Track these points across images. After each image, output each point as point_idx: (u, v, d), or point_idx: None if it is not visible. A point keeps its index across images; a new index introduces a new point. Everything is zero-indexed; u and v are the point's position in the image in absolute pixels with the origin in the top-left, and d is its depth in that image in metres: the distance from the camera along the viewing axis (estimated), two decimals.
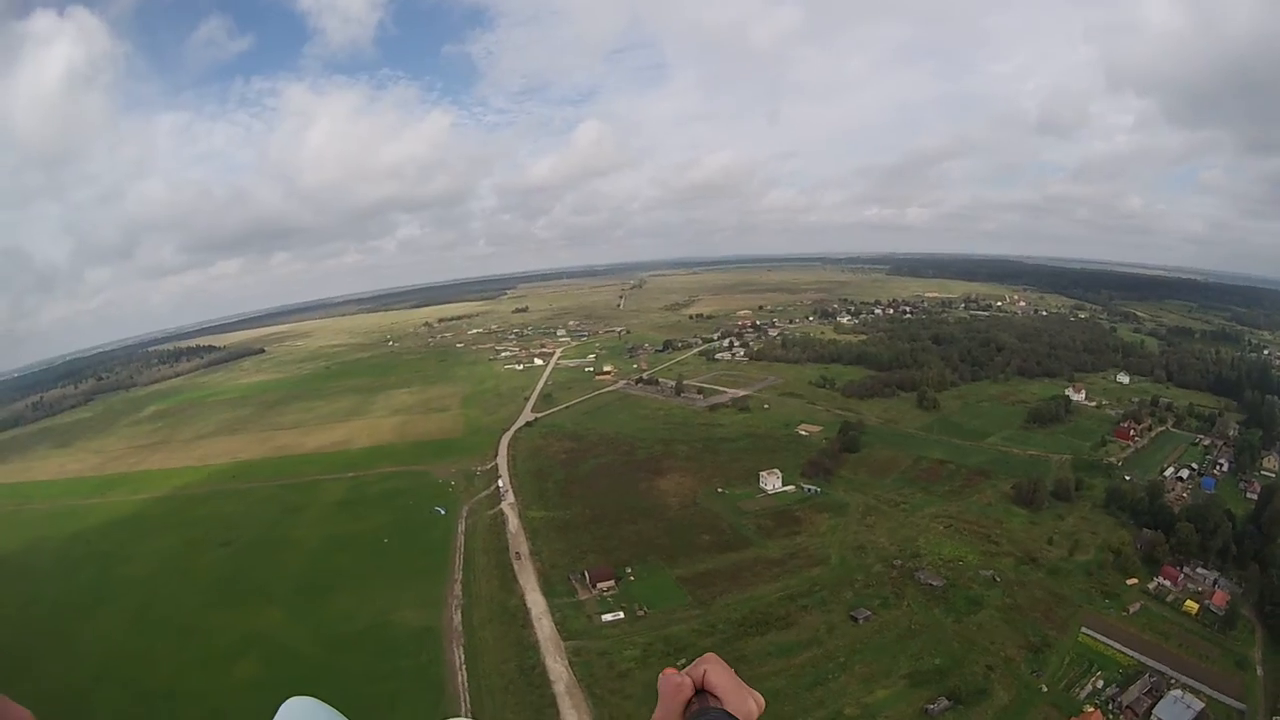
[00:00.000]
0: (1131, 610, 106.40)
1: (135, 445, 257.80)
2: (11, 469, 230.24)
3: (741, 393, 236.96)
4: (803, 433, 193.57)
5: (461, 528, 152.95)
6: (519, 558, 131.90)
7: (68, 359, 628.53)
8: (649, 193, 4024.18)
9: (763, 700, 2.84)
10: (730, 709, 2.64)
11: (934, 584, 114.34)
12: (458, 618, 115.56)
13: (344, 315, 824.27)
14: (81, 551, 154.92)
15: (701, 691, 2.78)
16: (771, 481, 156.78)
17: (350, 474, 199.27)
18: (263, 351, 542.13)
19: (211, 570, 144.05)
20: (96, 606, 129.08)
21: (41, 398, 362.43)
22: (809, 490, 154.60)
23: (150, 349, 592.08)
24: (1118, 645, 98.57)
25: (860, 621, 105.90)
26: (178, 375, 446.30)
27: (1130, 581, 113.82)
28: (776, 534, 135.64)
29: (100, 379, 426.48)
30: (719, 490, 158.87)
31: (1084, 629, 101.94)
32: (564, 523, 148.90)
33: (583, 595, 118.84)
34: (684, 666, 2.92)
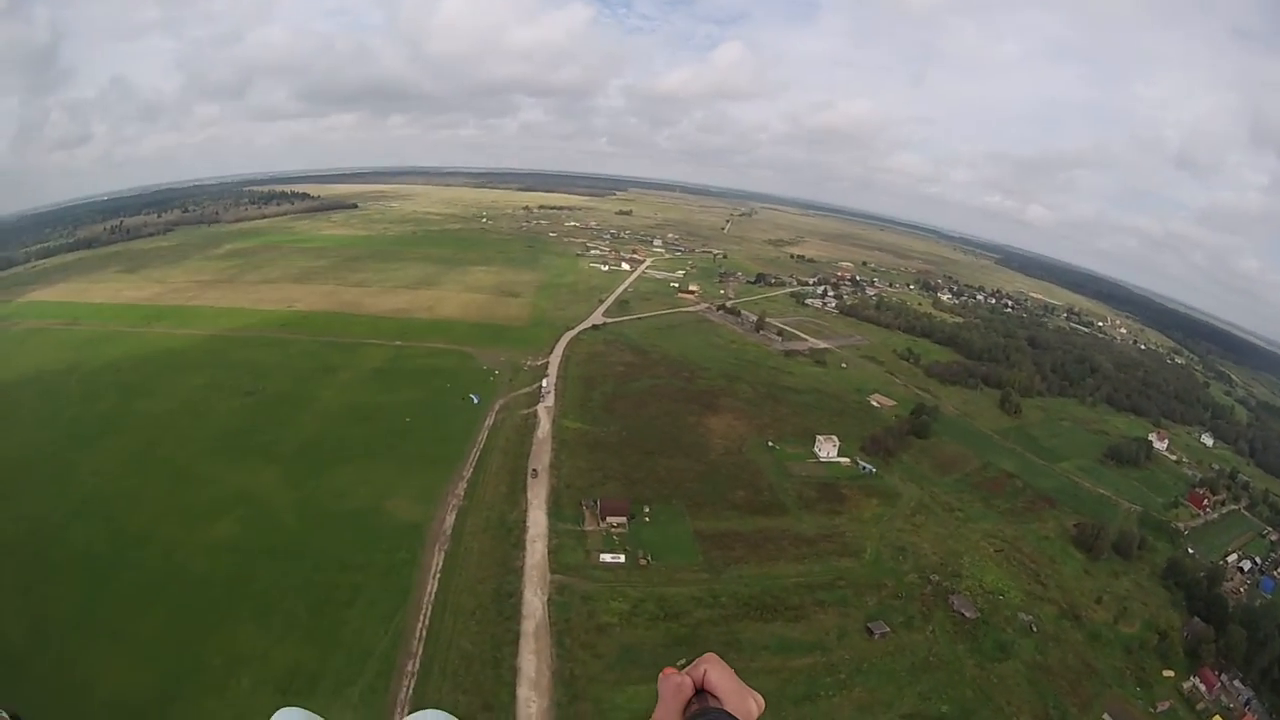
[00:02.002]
0: (1159, 709, 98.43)
1: (198, 280, 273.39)
2: (71, 288, 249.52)
3: (822, 345, 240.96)
4: (874, 404, 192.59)
5: (489, 421, 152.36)
6: (535, 475, 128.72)
7: (161, 188, 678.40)
8: (778, 126, 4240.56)
9: (763, 701, 3.00)
10: (730, 709, 2.79)
11: (966, 614, 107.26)
12: (450, 519, 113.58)
13: (448, 186, 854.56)
14: (107, 380, 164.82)
15: (702, 692, 2.94)
16: (827, 448, 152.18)
17: (397, 342, 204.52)
18: (355, 207, 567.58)
19: (227, 418, 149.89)
20: (102, 438, 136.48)
21: (122, 222, 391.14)
22: (864, 468, 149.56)
23: (245, 189, 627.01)
24: None
25: (876, 637, 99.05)
26: (264, 218, 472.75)
27: (1167, 674, 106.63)
28: (816, 508, 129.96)
29: (186, 210, 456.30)
30: (769, 444, 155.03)
31: (1106, 715, 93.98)
32: (596, 440, 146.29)
33: (589, 526, 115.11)
34: (684, 666, 3.09)
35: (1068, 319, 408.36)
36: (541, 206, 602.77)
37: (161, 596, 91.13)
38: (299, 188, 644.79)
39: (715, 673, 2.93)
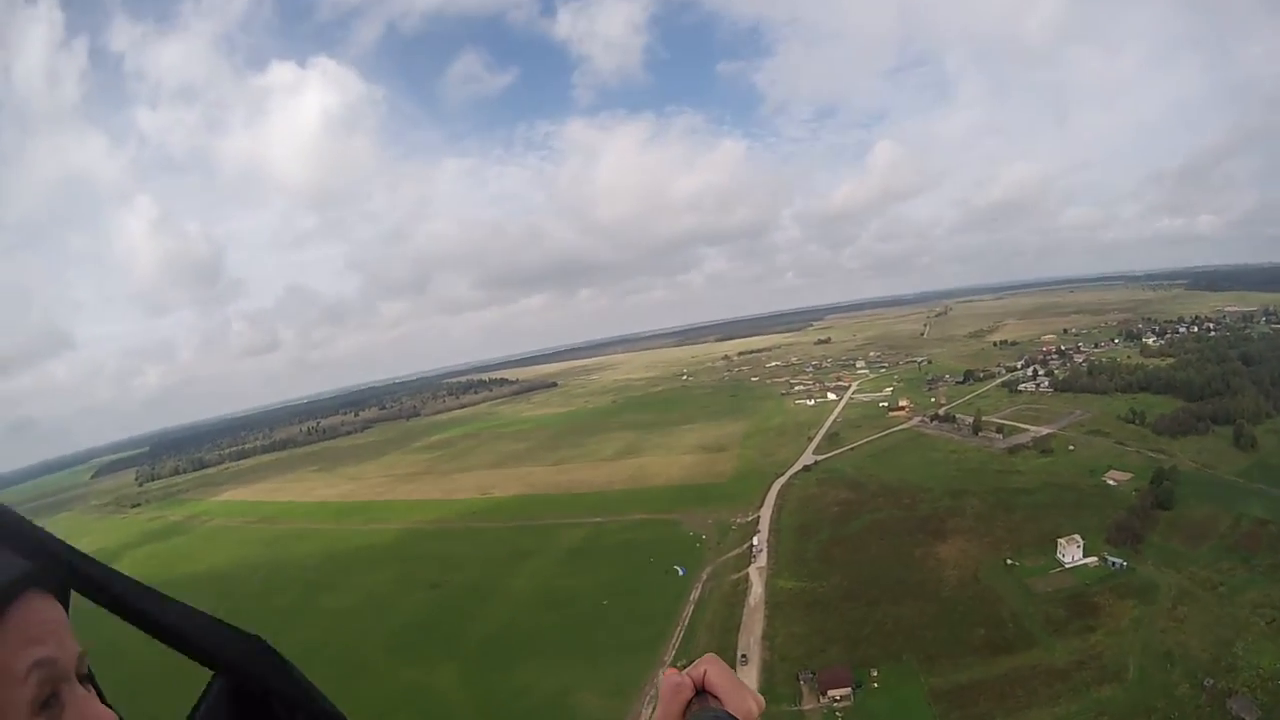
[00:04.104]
0: None
1: (393, 475, 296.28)
2: (265, 487, 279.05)
3: (1044, 430, 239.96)
4: (1110, 482, 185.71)
5: (695, 594, 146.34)
6: (745, 660, 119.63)
7: (361, 388, 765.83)
8: (950, 215, 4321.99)
9: (763, 701, 3.14)
10: (730, 709, 2.95)
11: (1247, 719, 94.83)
12: (647, 715, 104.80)
13: (647, 350, 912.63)
14: (291, 576, 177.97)
15: (702, 692, 3.09)
16: (1071, 551, 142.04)
17: (596, 519, 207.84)
18: (555, 385, 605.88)
19: (410, 612, 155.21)
20: (276, 634, 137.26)
21: (318, 423, 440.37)
22: (1113, 564, 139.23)
23: (445, 381, 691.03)
24: None
25: None
26: (463, 407, 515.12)
27: None
28: (1067, 629, 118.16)
29: (383, 408, 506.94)
30: (1007, 561, 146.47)
31: None
32: (814, 598, 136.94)
33: (807, 704, 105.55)
34: (684, 666, 3.22)
35: (1268, 321, 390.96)
36: (741, 353, 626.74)
37: None
38: (498, 374, 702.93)
39: (715, 672, 3.06)
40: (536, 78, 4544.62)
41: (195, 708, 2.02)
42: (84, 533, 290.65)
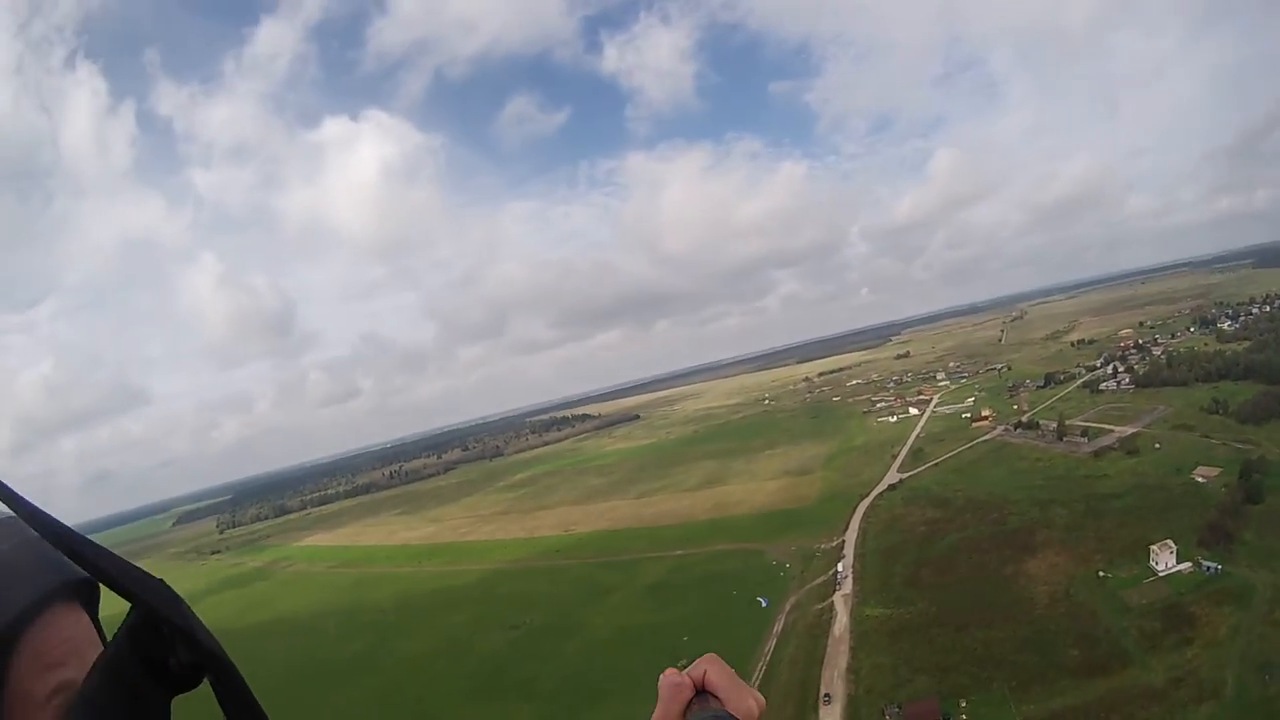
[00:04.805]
0: None
1: (475, 515, 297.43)
2: (346, 532, 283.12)
3: (1128, 430, 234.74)
4: (1199, 479, 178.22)
5: (778, 626, 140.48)
6: (829, 700, 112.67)
7: (444, 431, 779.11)
8: (1015, 217, 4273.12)
9: (763, 700, 3.01)
10: (731, 709, 2.83)
11: None
12: None
13: (729, 377, 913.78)
14: (367, 620, 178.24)
15: (702, 692, 2.93)
16: (1164, 558, 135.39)
17: (678, 551, 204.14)
18: (637, 418, 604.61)
19: (488, 655, 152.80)
20: (349, 679, 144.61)
21: (400, 467, 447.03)
22: (1208, 569, 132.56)
23: (528, 420, 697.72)
24: None
25: None
26: (545, 445, 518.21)
27: None
28: (1163, 643, 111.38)
29: (465, 449, 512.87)
30: (1099, 574, 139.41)
31: None
32: (901, 625, 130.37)
33: None
34: (684, 666, 3.05)
35: None
36: (821, 374, 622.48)
37: None
38: (581, 409, 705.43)
39: (715, 672, 2.91)
40: (591, 114, 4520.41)
41: (114, 637, 1.95)
42: None
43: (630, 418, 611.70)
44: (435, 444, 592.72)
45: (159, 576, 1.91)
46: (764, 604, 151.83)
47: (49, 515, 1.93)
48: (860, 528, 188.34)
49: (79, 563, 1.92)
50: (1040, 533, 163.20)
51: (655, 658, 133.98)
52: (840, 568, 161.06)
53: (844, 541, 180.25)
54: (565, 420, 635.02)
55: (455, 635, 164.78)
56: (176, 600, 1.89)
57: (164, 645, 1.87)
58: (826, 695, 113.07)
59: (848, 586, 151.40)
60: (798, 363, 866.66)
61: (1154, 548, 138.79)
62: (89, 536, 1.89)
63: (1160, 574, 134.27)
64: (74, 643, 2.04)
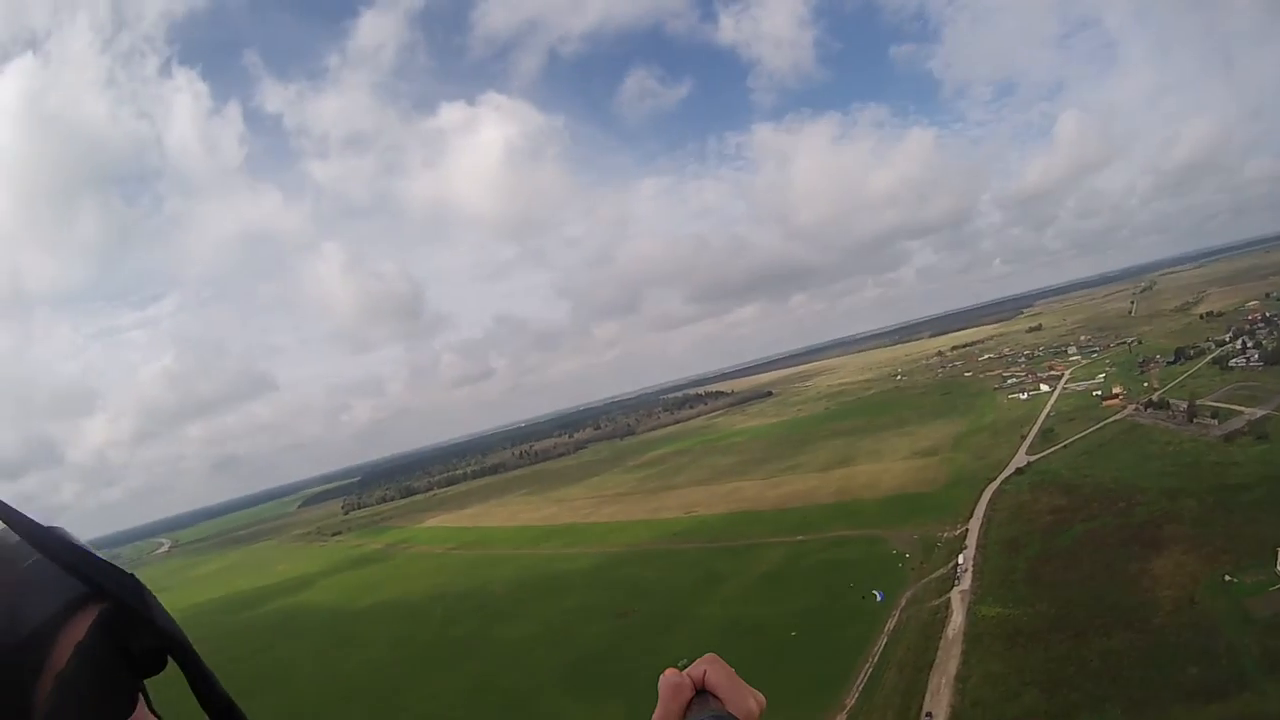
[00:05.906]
0: None
1: (600, 496, 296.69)
2: (470, 513, 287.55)
3: (1259, 412, 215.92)
4: None
5: (891, 623, 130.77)
6: (931, 719, 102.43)
7: (579, 409, 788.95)
8: (1143, 184, 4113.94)
9: (764, 699, 2.98)
10: (731, 709, 2.82)
11: None
12: None
13: (862, 351, 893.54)
14: (474, 604, 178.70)
15: (702, 692, 2.91)
16: None
17: (799, 537, 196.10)
18: (771, 394, 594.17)
19: (589, 643, 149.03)
20: (447, 664, 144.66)
21: (531, 446, 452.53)
22: None
23: (663, 397, 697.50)
24: None
25: None
26: (678, 422, 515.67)
27: None
28: None
29: (598, 428, 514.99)
30: (1225, 578, 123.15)
31: None
32: (1017, 628, 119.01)
33: None
34: (684, 666, 3.00)
35: None
36: (954, 347, 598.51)
37: None
38: (715, 386, 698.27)
39: (715, 672, 2.88)
40: (712, 87, 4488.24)
41: (89, 626, 2.07)
42: (278, 561, 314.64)
43: (763, 394, 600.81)
44: (568, 423, 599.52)
45: (131, 572, 1.93)
46: (879, 598, 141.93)
47: (19, 513, 2.04)
48: (985, 515, 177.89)
49: (53, 559, 2.04)
50: (1168, 526, 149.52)
51: (758, 655, 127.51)
52: (961, 560, 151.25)
53: (967, 530, 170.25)
54: (699, 398, 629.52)
55: (559, 622, 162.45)
56: (140, 590, 1.91)
57: (130, 632, 1.94)
58: (928, 715, 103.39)
59: (967, 581, 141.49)
60: (931, 336, 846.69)
61: None
62: (96, 550, 2.01)
63: None
64: None
